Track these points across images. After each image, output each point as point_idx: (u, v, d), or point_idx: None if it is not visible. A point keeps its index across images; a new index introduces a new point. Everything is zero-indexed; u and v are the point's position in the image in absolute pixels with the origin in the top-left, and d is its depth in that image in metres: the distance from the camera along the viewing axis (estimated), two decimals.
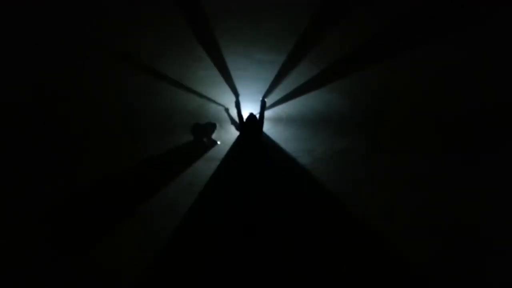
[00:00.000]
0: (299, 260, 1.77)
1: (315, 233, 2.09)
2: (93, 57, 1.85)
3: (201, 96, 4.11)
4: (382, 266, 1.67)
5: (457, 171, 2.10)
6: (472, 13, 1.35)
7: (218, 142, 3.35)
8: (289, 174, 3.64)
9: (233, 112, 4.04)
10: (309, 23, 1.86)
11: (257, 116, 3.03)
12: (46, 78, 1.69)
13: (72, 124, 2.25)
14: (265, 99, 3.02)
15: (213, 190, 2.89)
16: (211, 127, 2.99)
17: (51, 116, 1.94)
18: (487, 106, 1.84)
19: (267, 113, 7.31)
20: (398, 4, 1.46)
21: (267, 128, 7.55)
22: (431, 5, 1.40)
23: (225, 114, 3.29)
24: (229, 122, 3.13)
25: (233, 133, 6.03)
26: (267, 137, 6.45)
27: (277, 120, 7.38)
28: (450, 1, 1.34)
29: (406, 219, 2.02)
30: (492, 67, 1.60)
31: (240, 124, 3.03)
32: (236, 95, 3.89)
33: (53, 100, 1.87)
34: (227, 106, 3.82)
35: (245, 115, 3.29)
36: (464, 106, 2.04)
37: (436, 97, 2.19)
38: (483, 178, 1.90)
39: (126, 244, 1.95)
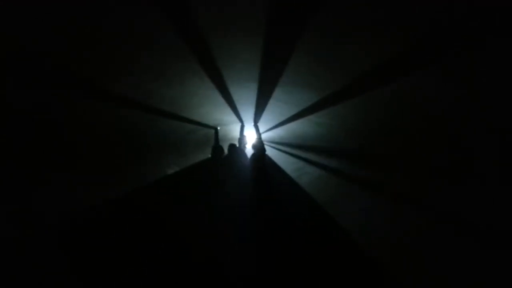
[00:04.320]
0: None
1: (308, 245, 2.13)
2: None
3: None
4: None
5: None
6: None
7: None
8: (286, 191, 3.82)
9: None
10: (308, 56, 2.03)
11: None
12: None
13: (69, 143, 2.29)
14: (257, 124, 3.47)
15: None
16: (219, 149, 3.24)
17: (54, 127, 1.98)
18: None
19: (267, 135, 7.77)
20: (392, 36, 1.58)
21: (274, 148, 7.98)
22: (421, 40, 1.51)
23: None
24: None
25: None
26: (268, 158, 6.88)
27: (275, 142, 7.71)
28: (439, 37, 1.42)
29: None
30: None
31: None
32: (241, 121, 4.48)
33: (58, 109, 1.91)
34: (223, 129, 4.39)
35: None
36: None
37: (426, 129, 2.28)
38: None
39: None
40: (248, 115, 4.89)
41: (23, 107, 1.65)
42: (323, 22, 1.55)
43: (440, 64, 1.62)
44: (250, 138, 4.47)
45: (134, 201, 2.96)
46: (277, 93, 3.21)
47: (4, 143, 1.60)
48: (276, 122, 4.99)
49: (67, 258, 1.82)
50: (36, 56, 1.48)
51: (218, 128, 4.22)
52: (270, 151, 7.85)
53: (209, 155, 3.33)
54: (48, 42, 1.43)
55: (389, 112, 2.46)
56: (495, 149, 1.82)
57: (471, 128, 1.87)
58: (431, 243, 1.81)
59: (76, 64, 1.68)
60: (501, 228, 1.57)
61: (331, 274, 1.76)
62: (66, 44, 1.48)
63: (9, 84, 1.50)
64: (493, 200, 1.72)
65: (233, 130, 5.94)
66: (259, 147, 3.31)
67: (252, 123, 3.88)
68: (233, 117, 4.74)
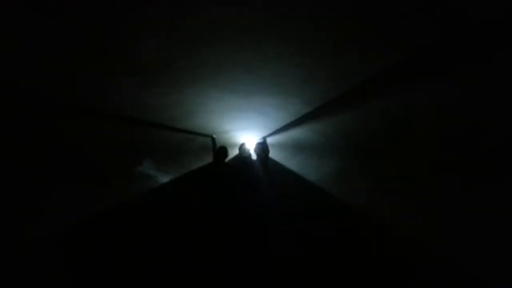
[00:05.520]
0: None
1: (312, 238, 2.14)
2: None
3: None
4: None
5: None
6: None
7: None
8: (296, 189, 3.89)
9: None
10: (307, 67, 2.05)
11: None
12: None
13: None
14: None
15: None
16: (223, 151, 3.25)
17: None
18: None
19: (277, 139, 7.99)
20: (390, 46, 1.58)
21: (275, 153, 8.12)
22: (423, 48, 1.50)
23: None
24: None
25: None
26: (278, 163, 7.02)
27: (284, 146, 7.81)
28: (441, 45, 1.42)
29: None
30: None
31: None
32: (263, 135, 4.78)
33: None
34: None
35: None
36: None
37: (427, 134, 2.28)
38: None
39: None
40: (249, 122, 4.99)
41: (23, 108, 1.65)
42: (321, 35, 1.57)
43: (440, 72, 1.61)
44: (252, 143, 4.71)
45: (135, 203, 2.96)
46: (277, 101, 3.23)
47: (4, 143, 1.60)
48: (277, 128, 5.06)
49: (67, 258, 1.82)
50: (37, 57, 1.48)
51: (214, 136, 4.33)
52: (272, 153, 7.97)
53: (211, 160, 3.36)
54: (47, 43, 1.43)
55: (387, 118, 2.47)
56: (495, 150, 1.82)
57: (473, 130, 1.87)
58: (433, 243, 1.82)
59: (72, 71, 1.67)
60: (502, 227, 1.57)
61: (331, 274, 1.76)
62: (65, 47, 1.48)
63: (9, 85, 1.50)
64: (494, 200, 1.71)
65: (233, 137, 6.15)
66: (264, 149, 3.47)
67: (254, 130, 4.12)
68: (232, 125, 4.81)
